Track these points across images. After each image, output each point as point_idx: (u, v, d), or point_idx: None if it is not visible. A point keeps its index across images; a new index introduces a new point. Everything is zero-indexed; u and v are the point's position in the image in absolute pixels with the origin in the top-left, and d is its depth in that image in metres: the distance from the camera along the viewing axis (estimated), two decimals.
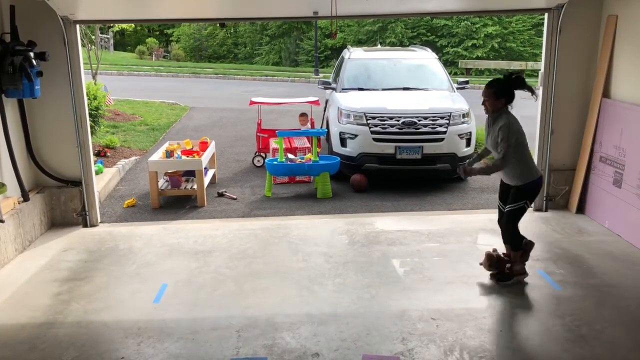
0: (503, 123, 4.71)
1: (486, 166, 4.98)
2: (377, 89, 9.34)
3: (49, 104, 6.43)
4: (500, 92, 4.76)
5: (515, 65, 26.59)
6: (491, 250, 5.16)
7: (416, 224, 6.66)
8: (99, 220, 6.89)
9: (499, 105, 4.78)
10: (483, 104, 4.86)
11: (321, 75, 24.78)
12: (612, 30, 6.34)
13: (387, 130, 8.13)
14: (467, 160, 5.45)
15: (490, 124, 4.90)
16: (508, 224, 4.99)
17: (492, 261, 5.11)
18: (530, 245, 5.13)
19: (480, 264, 5.20)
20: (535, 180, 4.87)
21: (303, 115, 9.96)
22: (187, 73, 26.49)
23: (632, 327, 4.33)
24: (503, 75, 4.90)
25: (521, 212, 4.93)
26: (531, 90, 4.83)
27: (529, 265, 5.43)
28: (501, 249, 5.19)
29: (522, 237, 5.05)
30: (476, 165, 5.14)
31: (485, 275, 5.21)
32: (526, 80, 4.87)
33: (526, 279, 5.12)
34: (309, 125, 9.88)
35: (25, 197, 6.13)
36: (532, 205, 7.09)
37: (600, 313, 4.53)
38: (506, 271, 5.08)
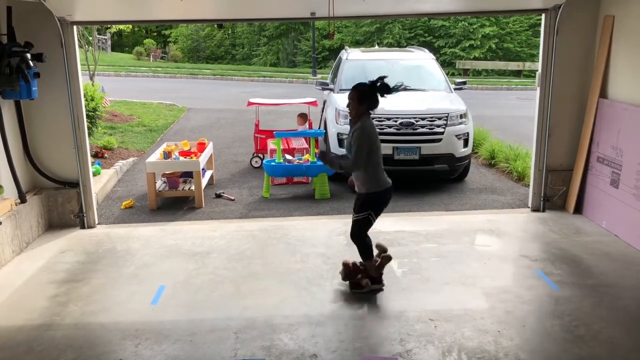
0: (357, 127, 4.63)
1: (336, 157, 4.86)
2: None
3: (46, 105, 6.41)
4: (363, 97, 4.68)
5: (513, 66, 26.66)
6: (348, 260, 5.05)
7: (414, 224, 6.66)
8: (96, 222, 6.88)
9: (361, 110, 4.70)
10: (348, 106, 4.79)
11: (319, 76, 24.78)
12: (609, 30, 6.35)
13: (384, 131, 8.13)
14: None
15: (351, 127, 4.81)
16: (352, 234, 4.84)
17: (347, 271, 4.99)
18: (386, 258, 4.95)
19: (340, 273, 5.08)
20: (379, 191, 4.71)
21: (302, 115, 9.95)
22: (184, 74, 26.48)
23: (630, 327, 4.34)
24: (369, 80, 4.78)
25: (365, 223, 4.76)
26: (397, 91, 4.77)
27: (526, 265, 5.45)
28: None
29: (371, 248, 4.87)
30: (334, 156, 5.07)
31: (483, 276, 5.22)
32: (392, 86, 4.80)
33: (524, 280, 5.13)
34: (306, 125, 9.87)
35: (22, 198, 6.12)
36: (531, 205, 7.12)
37: (599, 313, 4.53)
38: (356, 280, 4.94)
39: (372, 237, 6.21)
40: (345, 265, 5.03)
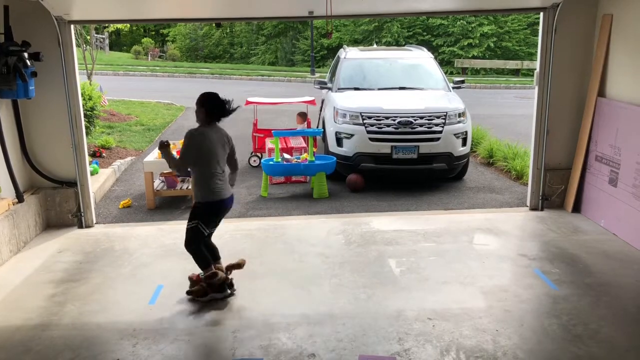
0: (187, 132, 4.67)
1: (172, 154, 4.85)
2: (373, 89, 9.34)
3: (44, 104, 6.40)
4: (200, 103, 4.71)
5: (511, 65, 26.68)
6: (194, 274, 4.98)
7: (412, 223, 6.66)
8: (94, 221, 6.86)
9: (200, 116, 4.72)
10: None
11: (317, 75, 24.80)
12: (607, 29, 6.34)
13: (383, 129, 8.13)
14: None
15: None
16: (185, 242, 4.76)
17: (192, 282, 4.92)
18: (235, 266, 4.93)
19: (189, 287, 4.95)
20: (207, 202, 4.68)
21: (302, 114, 9.94)
22: (183, 73, 26.47)
23: (628, 327, 4.34)
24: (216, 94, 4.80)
25: (195, 232, 4.69)
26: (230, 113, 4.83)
27: (525, 264, 5.45)
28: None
29: (207, 257, 4.81)
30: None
31: (482, 275, 5.22)
32: (229, 109, 4.84)
33: (522, 279, 5.13)
34: (305, 125, 9.87)
35: (19, 198, 6.10)
36: (529, 204, 7.12)
37: (597, 312, 4.53)
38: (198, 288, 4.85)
39: (370, 236, 6.24)
40: (190, 278, 4.95)
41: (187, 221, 4.77)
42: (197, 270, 4.92)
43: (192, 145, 4.65)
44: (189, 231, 4.74)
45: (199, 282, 4.86)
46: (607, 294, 4.83)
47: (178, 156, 4.79)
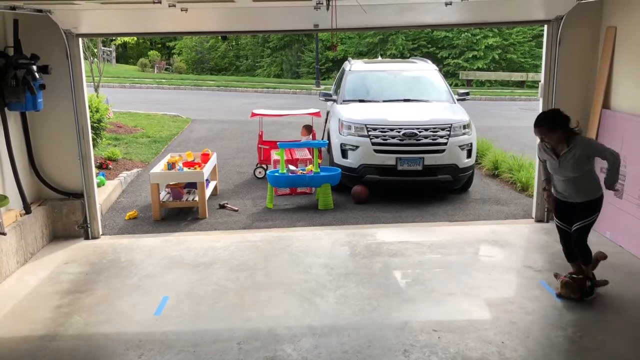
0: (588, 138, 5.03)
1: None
2: (377, 101, 9.37)
3: (52, 116, 6.46)
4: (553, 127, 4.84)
5: (516, 77, 26.71)
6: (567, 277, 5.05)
7: (417, 235, 6.66)
8: (100, 233, 6.90)
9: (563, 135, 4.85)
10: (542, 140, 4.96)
11: (322, 87, 24.85)
12: (612, 41, 6.37)
13: (388, 141, 8.15)
14: None
15: None
16: (580, 240, 4.99)
17: (568, 285, 4.98)
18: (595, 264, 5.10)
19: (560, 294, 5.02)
20: (601, 196, 4.92)
21: (307, 127, 9.98)
22: (189, 85, 26.60)
23: (634, 338, 4.32)
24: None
25: (589, 228, 4.96)
26: None
27: (530, 276, 5.44)
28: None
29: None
30: None
31: (487, 287, 5.21)
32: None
33: (528, 290, 5.12)
34: (310, 137, 9.90)
35: (27, 209, 6.15)
36: (535, 215, 7.11)
37: (603, 324, 4.52)
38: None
39: (376, 247, 6.23)
40: (570, 281, 4.99)
41: (581, 220, 4.87)
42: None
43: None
44: (587, 227, 4.90)
45: (581, 281, 4.95)
46: (613, 306, 4.81)
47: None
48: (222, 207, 8.05)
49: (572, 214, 4.95)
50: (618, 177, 4.93)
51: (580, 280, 4.95)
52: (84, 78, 6.61)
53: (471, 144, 8.45)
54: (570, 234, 4.99)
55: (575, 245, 4.99)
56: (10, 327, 4.68)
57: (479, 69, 27.43)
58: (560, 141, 4.81)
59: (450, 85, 10.56)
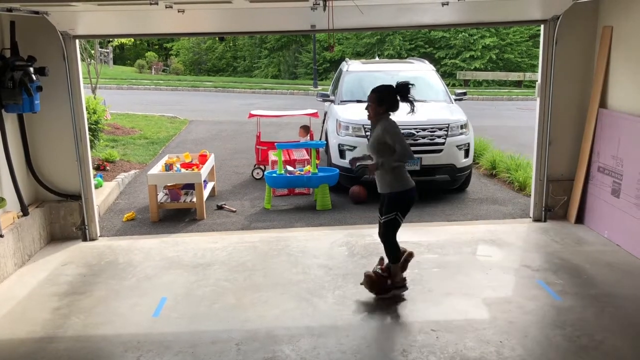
0: (388, 120, 4.84)
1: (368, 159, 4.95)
2: None
3: (49, 118, 6.45)
4: (380, 100, 4.85)
5: (513, 77, 26.77)
6: (370, 272, 5.06)
7: (415, 235, 6.66)
8: (98, 234, 6.89)
9: (380, 111, 4.86)
10: (366, 108, 4.95)
11: (320, 87, 24.88)
12: (608, 41, 6.38)
13: None
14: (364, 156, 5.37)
15: (372, 129, 4.94)
16: (382, 234, 4.96)
17: (369, 280, 5.01)
18: (404, 267, 5.02)
19: (361, 283, 5.07)
20: (404, 191, 4.81)
21: (305, 127, 9.98)
22: (186, 86, 26.61)
23: (633, 337, 4.33)
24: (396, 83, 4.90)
25: (394, 223, 4.85)
26: (412, 104, 4.88)
27: (528, 275, 5.44)
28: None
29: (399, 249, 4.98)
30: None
31: (485, 286, 5.21)
32: (410, 91, 4.90)
33: (526, 290, 5.12)
34: (308, 138, 9.90)
35: (24, 211, 6.14)
36: (532, 215, 7.13)
37: (601, 323, 4.52)
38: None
39: (374, 248, 6.24)
40: (372, 276, 5.00)
41: (381, 215, 4.88)
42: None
43: (399, 131, 4.77)
44: (388, 223, 4.83)
45: (380, 278, 4.95)
46: (611, 305, 4.82)
47: (399, 145, 4.69)
48: (220, 208, 8.05)
49: (382, 205, 4.95)
50: (382, 167, 4.77)
51: (381, 279, 4.97)
52: (81, 80, 6.61)
53: (468, 143, 8.46)
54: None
55: (380, 239, 4.98)
56: (8, 329, 4.67)
57: (476, 69, 27.50)
58: (374, 114, 4.87)
59: (448, 85, 10.57)
